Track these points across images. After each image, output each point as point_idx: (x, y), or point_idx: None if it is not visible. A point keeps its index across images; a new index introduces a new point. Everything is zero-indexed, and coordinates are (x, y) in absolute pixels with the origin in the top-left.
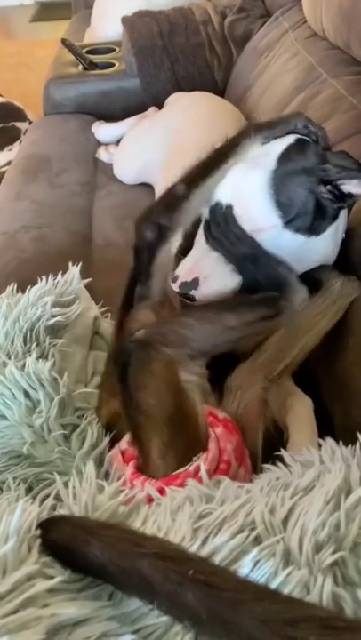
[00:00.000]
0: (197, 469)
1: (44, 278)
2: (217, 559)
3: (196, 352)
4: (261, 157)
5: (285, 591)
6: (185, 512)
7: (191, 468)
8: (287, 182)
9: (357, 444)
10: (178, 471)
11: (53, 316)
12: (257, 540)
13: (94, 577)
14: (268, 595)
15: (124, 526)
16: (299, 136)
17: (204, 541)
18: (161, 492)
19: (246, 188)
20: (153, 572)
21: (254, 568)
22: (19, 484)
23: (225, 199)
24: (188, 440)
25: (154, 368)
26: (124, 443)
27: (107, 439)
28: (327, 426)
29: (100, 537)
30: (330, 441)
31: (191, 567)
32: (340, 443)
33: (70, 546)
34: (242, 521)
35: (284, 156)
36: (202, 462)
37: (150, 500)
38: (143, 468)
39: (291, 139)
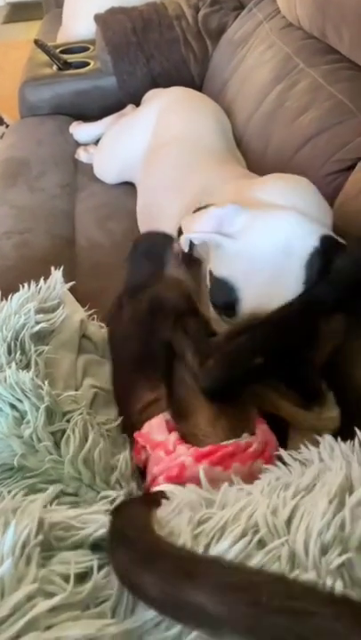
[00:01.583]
0: (248, 445)
1: (25, 285)
2: None
3: None
4: (283, 261)
5: None
6: (184, 518)
7: (243, 442)
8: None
9: (356, 440)
10: (227, 442)
11: (38, 323)
12: (261, 544)
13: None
14: None
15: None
16: (324, 233)
17: (207, 547)
18: (208, 455)
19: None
20: (220, 608)
21: None
22: (14, 497)
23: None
24: (236, 417)
25: None
26: (167, 414)
27: (91, 437)
28: None
29: (153, 570)
30: (328, 438)
31: (262, 594)
32: (339, 439)
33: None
34: (244, 524)
35: (310, 265)
36: (249, 441)
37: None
38: (189, 438)
39: (315, 240)
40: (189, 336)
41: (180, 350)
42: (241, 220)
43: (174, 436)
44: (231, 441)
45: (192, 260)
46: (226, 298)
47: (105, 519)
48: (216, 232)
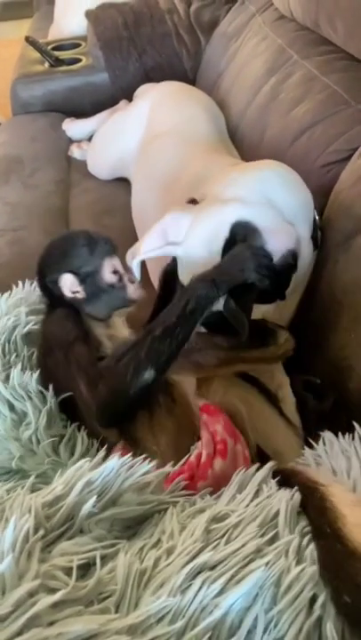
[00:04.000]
0: (199, 457)
1: (15, 285)
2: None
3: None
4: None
5: None
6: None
7: (192, 457)
8: None
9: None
10: (179, 464)
11: (28, 324)
12: None
13: None
14: None
15: None
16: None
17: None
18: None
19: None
20: None
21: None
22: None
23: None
24: (177, 429)
25: None
26: (119, 446)
27: (96, 445)
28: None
29: None
30: (328, 434)
31: None
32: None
33: None
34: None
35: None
36: (198, 451)
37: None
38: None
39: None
40: (81, 366)
41: (75, 383)
42: (185, 224)
43: None
44: (179, 465)
45: None
46: None
47: None
48: (166, 244)
